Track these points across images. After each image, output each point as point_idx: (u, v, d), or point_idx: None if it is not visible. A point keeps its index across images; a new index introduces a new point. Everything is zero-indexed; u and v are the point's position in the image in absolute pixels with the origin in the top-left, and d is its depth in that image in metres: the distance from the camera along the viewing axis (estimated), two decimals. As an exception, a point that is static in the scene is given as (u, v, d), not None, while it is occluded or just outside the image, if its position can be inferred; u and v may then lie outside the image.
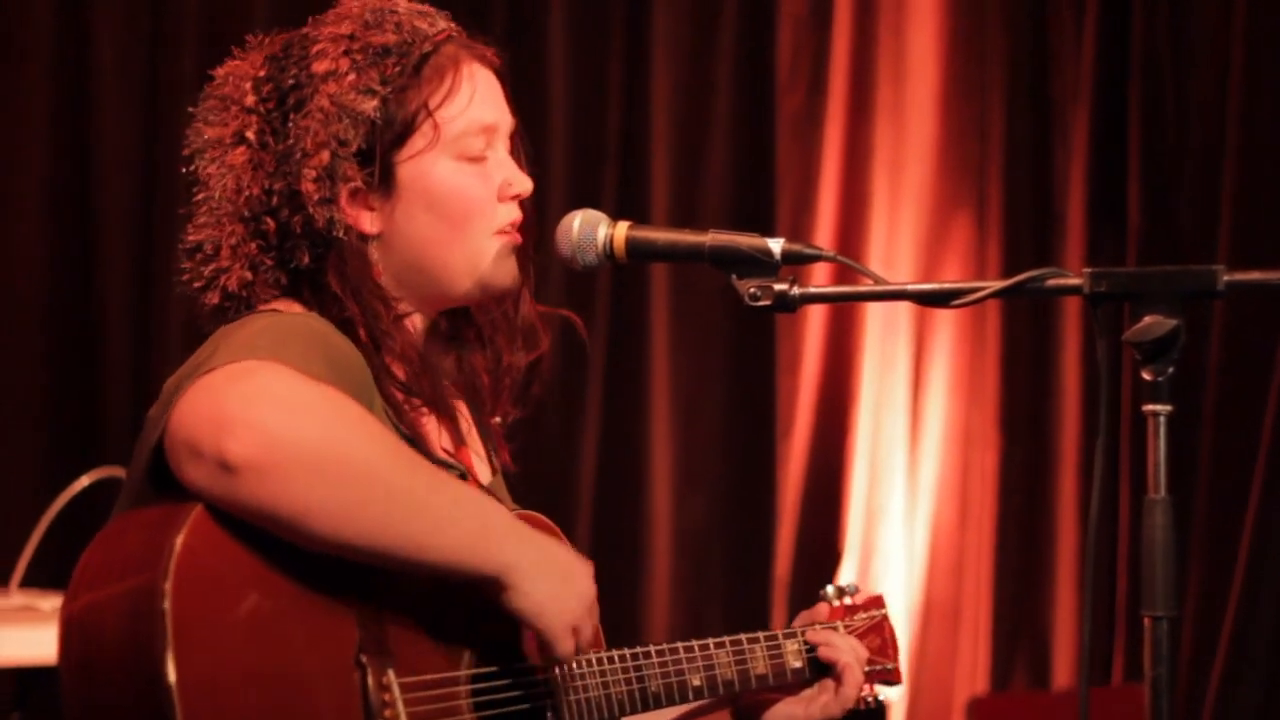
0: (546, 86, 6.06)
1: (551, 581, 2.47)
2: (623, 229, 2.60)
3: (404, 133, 2.60)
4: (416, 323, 2.69)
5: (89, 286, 5.70)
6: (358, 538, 2.34)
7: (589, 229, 2.61)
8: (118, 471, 4.67)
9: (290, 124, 2.56)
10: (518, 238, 2.68)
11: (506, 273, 2.67)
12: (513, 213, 2.68)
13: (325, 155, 2.55)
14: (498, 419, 2.82)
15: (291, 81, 2.58)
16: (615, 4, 6.18)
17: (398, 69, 2.59)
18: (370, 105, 2.57)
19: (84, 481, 4.75)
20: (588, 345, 5.90)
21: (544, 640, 2.50)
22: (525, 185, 2.69)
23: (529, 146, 2.75)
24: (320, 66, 2.57)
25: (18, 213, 5.65)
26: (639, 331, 6.08)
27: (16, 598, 4.64)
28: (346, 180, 2.57)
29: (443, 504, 2.42)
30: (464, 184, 2.63)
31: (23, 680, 4.56)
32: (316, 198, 2.55)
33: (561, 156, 6.07)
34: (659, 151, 6.14)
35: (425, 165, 2.62)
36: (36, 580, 4.74)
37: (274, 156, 2.56)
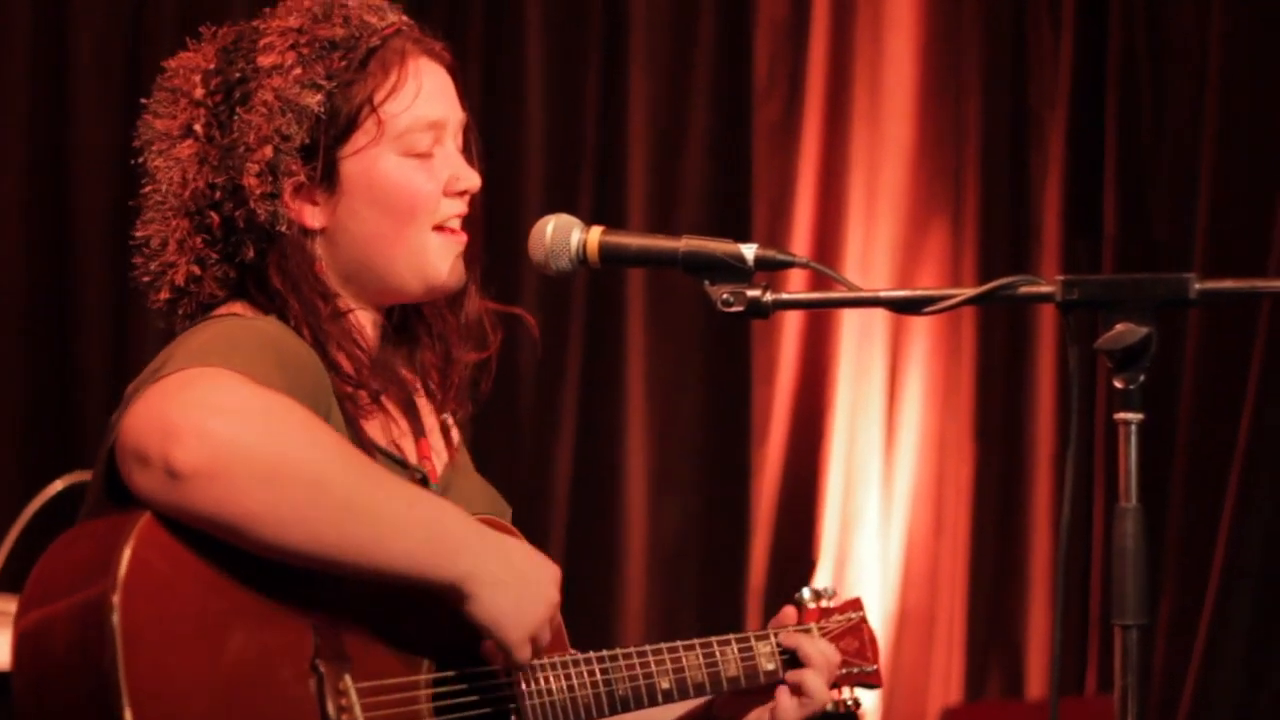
0: (524, 94, 6.06)
1: (511, 590, 2.46)
2: (596, 234, 2.60)
3: (348, 128, 2.60)
4: (366, 319, 2.68)
5: (66, 288, 5.69)
6: (306, 544, 2.33)
7: (562, 234, 2.60)
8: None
9: (236, 118, 2.56)
10: (463, 235, 2.68)
11: (451, 272, 2.67)
12: (457, 207, 2.67)
13: (268, 150, 2.55)
14: (446, 415, 2.81)
15: (238, 75, 2.58)
16: (592, 12, 6.17)
17: (343, 63, 2.59)
18: (314, 99, 2.56)
19: (58, 485, 4.72)
20: (559, 349, 5.92)
21: (501, 649, 2.49)
22: (473, 181, 2.68)
23: (480, 144, 2.74)
24: (266, 60, 2.57)
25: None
26: (614, 338, 6.07)
27: (-9, 602, 4.62)
28: (290, 175, 2.56)
29: (396, 510, 2.40)
30: (408, 179, 2.63)
31: (1, 683, 4.53)
32: (259, 192, 2.55)
33: (538, 164, 6.06)
34: (636, 160, 6.13)
35: (369, 160, 2.61)
36: (11, 585, 4.71)
37: (219, 150, 2.56)
